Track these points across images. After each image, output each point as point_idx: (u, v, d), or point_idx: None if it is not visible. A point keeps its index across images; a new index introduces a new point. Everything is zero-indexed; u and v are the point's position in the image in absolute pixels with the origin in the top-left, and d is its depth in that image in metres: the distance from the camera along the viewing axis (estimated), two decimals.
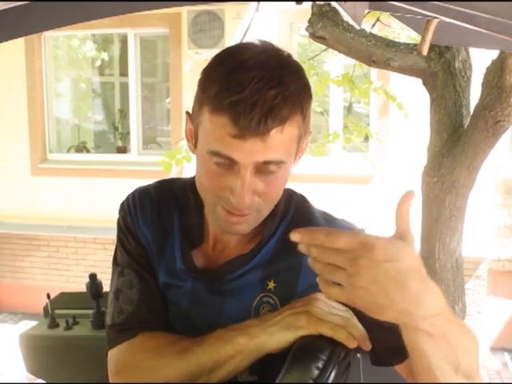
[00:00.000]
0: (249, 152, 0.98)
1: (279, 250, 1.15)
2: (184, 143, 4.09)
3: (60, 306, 1.97)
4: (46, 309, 1.94)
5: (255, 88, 0.96)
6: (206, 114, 1.01)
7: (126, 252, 1.20)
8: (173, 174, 5.03)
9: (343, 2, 1.06)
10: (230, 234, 1.14)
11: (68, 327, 1.89)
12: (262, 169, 1.02)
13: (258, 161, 1.00)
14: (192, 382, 1.06)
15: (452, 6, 0.97)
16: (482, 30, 1.05)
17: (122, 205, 1.25)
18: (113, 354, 1.16)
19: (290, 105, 0.99)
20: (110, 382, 1.15)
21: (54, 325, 1.91)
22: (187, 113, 1.13)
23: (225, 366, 1.05)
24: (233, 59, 1.02)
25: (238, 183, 1.01)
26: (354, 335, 1.02)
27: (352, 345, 1.00)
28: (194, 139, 1.10)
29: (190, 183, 1.23)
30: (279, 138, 0.99)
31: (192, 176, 1.24)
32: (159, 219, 1.21)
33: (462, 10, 0.95)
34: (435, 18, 1.15)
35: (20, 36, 1.42)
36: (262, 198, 1.05)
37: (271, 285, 1.14)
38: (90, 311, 1.87)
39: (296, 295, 1.11)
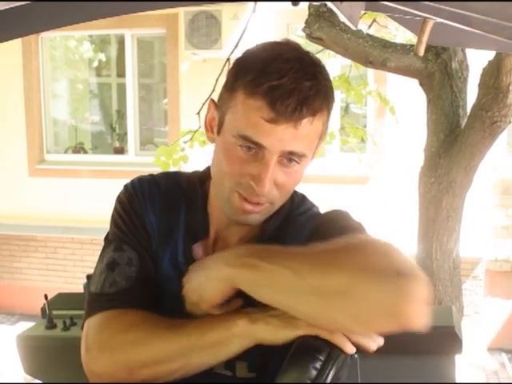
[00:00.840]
0: (279, 139, 1.01)
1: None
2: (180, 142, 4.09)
3: (58, 306, 1.96)
4: (43, 310, 1.93)
5: (293, 77, 1.00)
6: (240, 98, 1.03)
7: (129, 230, 1.17)
8: None
9: (339, 3, 1.07)
10: (241, 223, 1.13)
11: (66, 328, 1.89)
12: (285, 160, 1.05)
13: (286, 149, 1.03)
14: (182, 358, 1.02)
15: (445, 7, 0.97)
16: (475, 31, 1.05)
17: (127, 188, 1.21)
18: (92, 321, 1.08)
19: (321, 99, 1.03)
20: (83, 355, 1.07)
21: (51, 325, 1.91)
22: (212, 101, 1.15)
23: (214, 348, 1.01)
24: (270, 51, 1.06)
25: (263, 169, 1.03)
26: (352, 340, 1.02)
27: (348, 350, 1.00)
28: (217, 127, 1.11)
29: (198, 176, 1.23)
30: (309, 129, 1.03)
31: (199, 170, 1.25)
32: (166, 211, 1.19)
33: (454, 10, 0.96)
34: (429, 18, 1.16)
35: (19, 36, 1.43)
36: (279, 189, 1.07)
37: None
38: None
39: None
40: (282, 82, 0.99)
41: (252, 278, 0.98)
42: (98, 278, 1.13)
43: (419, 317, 0.90)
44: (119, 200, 1.21)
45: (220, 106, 1.10)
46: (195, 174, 1.26)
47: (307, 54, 1.08)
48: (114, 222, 1.21)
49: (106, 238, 1.21)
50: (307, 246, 1.00)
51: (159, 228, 1.19)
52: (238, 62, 1.09)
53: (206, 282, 1.03)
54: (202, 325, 1.03)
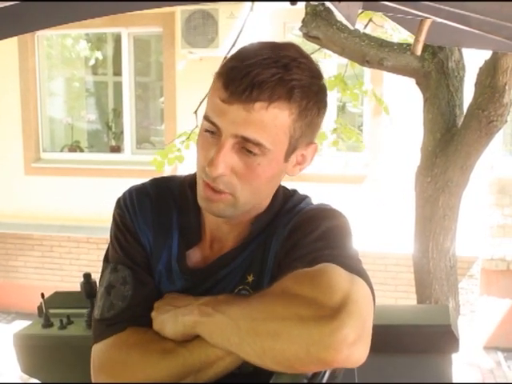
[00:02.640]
0: (231, 120, 1.01)
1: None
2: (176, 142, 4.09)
3: (54, 305, 1.95)
4: (40, 308, 1.93)
5: (257, 62, 1.00)
6: (213, 82, 1.05)
7: (122, 249, 1.18)
8: (166, 173, 5.02)
9: (337, 2, 1.07)
10: (209, 213, 1.13)
11: (62, 327, 1.88)
12: (243, 147, 1.03)
13: (238, 133, 1.01)
14: (178, 381, 1.06)
15: (443, 6, 0.97)
16: (473, 30, 1.05)
17: (119, 202, 1.22)
18: (97, 348, 1.14)
19: (286, 89, 1.00)
20: (92, 377, 1.14)
21: (48, 324, 1.90)
22: None
23: (214, 366, 1.05)
24: (257, 43, 1.06)
25: (215, 151, 1.03)
26: None
27: None
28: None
29: (188, 180, 1.22)
30: (263, 115, 1.00)
31: (189, 174, 1.24)
32: (159, 219, 1.20)
33: (452, 10, 0.96)
34: (427, 17, 1.16)
35: (14, 35, 1.42)
36: (240, 180, 1.06)
37: (250, 278, 1.15)
38: (85, 310, 1.86)
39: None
40: (243, 63, 1.00)
41: (207, 326, 1.02)
42: (99, 303, 1.17)
43: (348, 357, 0.88)
44: (113, 217, 1.23)
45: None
46: (186, 177, 1.25)
47: (296, 53, 1.05)
48: (110, 242, 1.23)
49: (106, 259, 1.23)
50: (252, 296, 1.02)
51: (153, 236, 1.20)
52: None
53: (168, 324, 1.08)
54: (197, 346, 1.05)
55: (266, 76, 0.99)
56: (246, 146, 1.03)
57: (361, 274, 0.99)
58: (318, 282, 0.95)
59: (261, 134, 1.02)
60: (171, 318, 1.07)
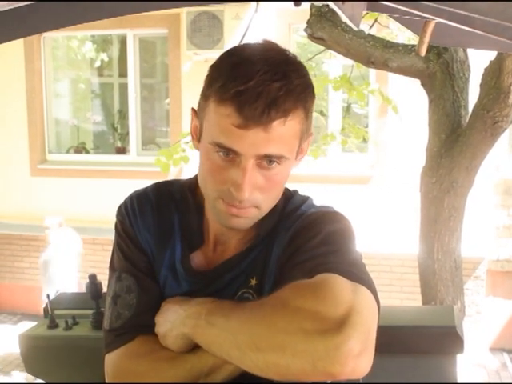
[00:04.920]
0: (251, 143, 1.00)
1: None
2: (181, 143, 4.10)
3: (60, 306, 1.97)
4: (45, 309, 1.94)
5: (260, 79, 0.98)
6: (212, 106, 1.03)
7: (124, 257, 1.19)
8: (171, 174, 5.03)
9: (341, 3, 1.07)
10: (230, 228, 1.13)
11: (68, 327, 1.89)
12: (264, 163, 1.03)
13: (260, 153, 1.01)
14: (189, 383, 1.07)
15: (446, 8, 0.97)
16: (477, 31, 1.05)
17: (120, 209, 1.23)
18: (109, 358, 1.16)
19: (294, 98, 1.01)
20: None
21: (53, 325, 1.91)
22: (192, 109, 1.14)
23: (222, 370, 1.05)
24: (239, 54, 1.05)
25: (240, 175, 1.02)
26: None
27: None
28: (198, 135, 1.12)
29: (188, 184, 1.22)
30: (282, 130, 1.00)
31: (190, 177, 1.24)
32: (160, 223, 1.20)
33: (456, 11, 0.96)
34: (431, 19, 1.16)
35: (22, 36, 1.43)
36: (262, 193, 1.06)
37: (253, 282, 1.15)
38: (90, 311, 1.87)
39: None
40: (248, 85, 0.98)
41: (204, 338, 1.03)
42: (107, 313, 1.19)
43: (354, 369, 0.88)
44: (115, 225, 1.24)
45: (199, 113, 1.10)
46: (186, 182, 1.25)
47: (280, 53, 1.06)
48: (114, 249, 1.24)
49: (111, 266, 1.23)
50: (251, 306, 1.01)
51: (154, 241, 1.20)
52: (211, 68, 1.08)
53: (168, 335, 1.10)
54: (205, 351, 1.06)
55: (275, 93, 0.98)
56: (266, 161, 1.03)
57: (364, 281, 0.98)
58: (320, 294, 0.94)
59: (281, 147, 1.02)
60: (170, 333, 1.09)
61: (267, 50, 1.05)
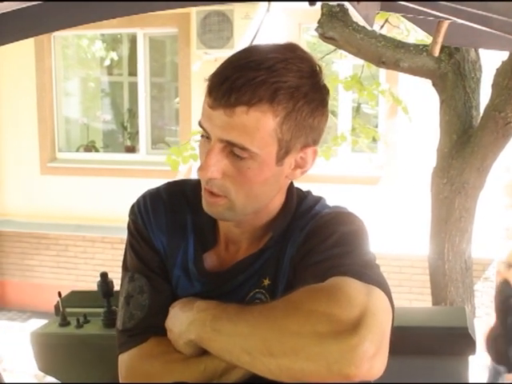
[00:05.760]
0: (216, 124, 1.02)
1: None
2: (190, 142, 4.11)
3: (71, 304, 1.97)
4: (57, 307, 1.94)
5: (241, 66, 1.00)
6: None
7: (137, 257, 1.19)
8: (181, 173, 5.04)
9: (356, 3, 1.06)
10: (211, 215, 1.14)
11: (79, 325, 1.90)
12: (232, 151, 1.03)
13: (223, 137, 1.02)
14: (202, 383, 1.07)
15: (465, 8, 0.97)
16: (494, 32, 1.04)
17: (133, 208, 1.23)
18: (123, 359, 1.16)
19: (268, 91, 0.99)
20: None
21: (65, 323, 1.92)
22: None
23: (236, 370, 1.05)
24: (254, 45, 1.07)
25: (207, 155, 1.04)
26: None
27: None
28: None
29: (200, 184, 1.23)
30: (244, 119, 0.99)
31: None
32: (173, 223, 1.20)
33: (474, 11, 0.95)
34: (447, 19, 1.15)
35: (33, 36, 1.43)
36: (232, 184, 1.05)
37: (266, 282, 1.15)
38: (101, 310, 1.88)
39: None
40: (226, 69, 1.01)
41: (212, 345, 1.02)
42: (120, 313, 1.19)
43: (368, 371, 0.88)
44: (128, 224, 1.24)
45: None
46: (200, 181, 1.25)
47: (294, 54, 1.03)
48: (126, 248, 1.24)
49: (124, 265, 1.24)
50: (260, 309, 1.00)
51: (167, 241, 1.20)
52: None
53: (177, 341, 1.10)
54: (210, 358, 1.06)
55: (245, 79, 0.98)
56: (233, 151, 1.03)
57: (378, 283, 0.98)
58: (334, 296, 0.93)
59: (244, 137, 1.01)
60: (179, 339, 1.09)
61: (277, 48, 1.04)
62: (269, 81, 0.99)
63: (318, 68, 1.06)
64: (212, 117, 1.02)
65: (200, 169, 1.05)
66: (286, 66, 1.00)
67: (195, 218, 1.21)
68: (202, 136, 1.07)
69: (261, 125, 1.01)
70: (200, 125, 1.05)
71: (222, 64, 1.04)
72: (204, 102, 1.04)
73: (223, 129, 1.01)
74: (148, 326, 1.15)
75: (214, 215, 1.12)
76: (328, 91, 1.08)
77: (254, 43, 1.11)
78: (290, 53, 1.04)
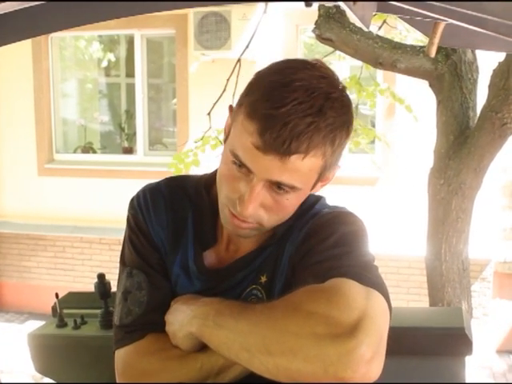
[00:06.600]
0: (266, 167, 1.00)
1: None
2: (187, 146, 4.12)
3: (68, 305, 1.97)
4: (54, 308, 1.94)
5: (293, 109, 0.97)
6: (241, 117, 1.03)
7: (136, 252, 1.19)
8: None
9: (352, 4, 1.07)
10: (234, 234, 1.14)
11: (76, 327, 1.90)
12: (275, 187, 1.03)
13: (272, 179, 1.01)
14: (198, 382, 1.07)
15: (460, 9, 0.97)
16: (489, 33, 1.05)
17: (132, 202, 1.22)
18: (119, 354, 1.17)
19: (321, 137, 0.99)
20: (117, 381, 1.17)
21: (62, 324, 1.92)
22: (230, 106, 1.14)
23: (232, 369, 1.06)
24: (282, 73, 1.02)
25: (248, 191, 1.03)
26: None
27: None
28: (226, 135, 1.12)
29: (205, 181, 1.22)
30: (299, 164, 1.00)
31: (206, 173, 1.24)
32: (173, 218, 1.20)
33: (470, 12, 0.95)
34: (443, 20, 1.16)
35: (32, 36, 1.43)
36: (268, 213, 1.06)
37: (263, 279, 1.16)
38: (99, 311, 1.88)
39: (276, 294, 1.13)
40: (278, 111, 0.97)
41: (212, 339, 1.03)
42: (117, 309, 1.20)
43: (365, 374, 0.88)
44: (127, 218, 1.23)
45: (233, 114, 1.09)
46: (202, 178, 1.25)
47: (327, 83, 1.03)
48: (124, 243, 1.24)
49: (122, 260, 1.23)
50: (261, 308, 1.01)
51: (167, 237, 1.20)
52: (256, 75, 1.07)
53: (176, 334, 1.11)
54: (211, 351, 1.06)
55: (303, 127, 0.97)
56: (277, 186, 1.03)
57: (377, 285, 0.99)
58: (333, 298, 0.94)
59: (295, 178, 1.02)
60: (178, 333, 1.09)
61: (313, 77, 1.01)
62: (321, 126, 0.98)
63: (349, 98, 1.07)
64: (261, 159, 0.99)
65: (241, 205, 1.04)
66: (332, 106, 1.00)
67: (196, 216, 1.21)
68: (235, 163, 1.04)
69: (312, 167, 1.02)
70: (238, 159, 1.02)
71: (266, 101, 0.99)
72: (245, 139, 1.01)
73: (274, 172, 1.00)
74: (145, 323, 1.15)
75: (240, 236, 1.13)
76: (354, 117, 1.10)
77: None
78: (328, 84, 1.03)
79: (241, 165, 1.03)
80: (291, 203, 1.07)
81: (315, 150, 1.00)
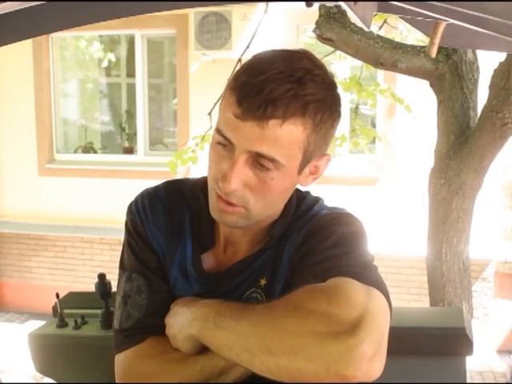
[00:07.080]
0: (245, 136, 1.00)
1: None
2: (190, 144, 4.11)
3: (69, 305, 1.97)
4: (54, 308, 1.94)
5: (271, 77, 0.98)
6: (226, 94, 1.05)
7: (135, 256, 1.19)
8: (179, 175, 5.04)
9: (353, 4, 1.07)
10: (222, 223, 1.14)
11: (77, 327, 1.90)
12: (257, 162, 1.02)
13: (252, 149, 1.01)
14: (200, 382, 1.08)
15: (461, 9, 0.97)
16: (490, 33, 1.05)
17: (130, 207, 1.22)
18: (120, 358, 1.17)
19: (300, 105, 0.99)
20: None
21: (62, 324, 1.92)
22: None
23: (233, 370, 1.06)
24: (268, 53, 1.05)
25: (229, 166, 1.03)
26: None
27: None
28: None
29: (201, 183, 1.22)
30: (278, 132, 0.99)
31: (203, 176, 1.24)
32: (171, 222, 1.20)
33: (471, 12, 0.95)
34: (444, 20, 1.16)
35: (33, 36, 1.43)
36: (253, 194, 1.05)
37: (262, 282, 1.15)
38: (99, 311, 1.88)
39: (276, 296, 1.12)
40: (256, 79, 0.98)
41: (213, 340, 1.03)
42: (117, 313, 1.20)
43: (367, 372, 0.88)
44: (125, 223, 1.23)
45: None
46: (199, 181, 1.24)
47: (310, 63, 1.03)
48: (123, 248, 1.24)
49: (121, 265, 1.23)
50: (262, 308, 1.00)
51: (166, 242, 1.20)
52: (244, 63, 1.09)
53: (176, 337, 1.10)
54: (211, 354, 1.06)
55: (279, 92, 0.97)
56: (259, 161, 1.02)
57: (377, 284, 0.99)
58: (333, 297, 0.94)
59: (275, 149, 1.01)
60: (179, 335, 1.09)
61: (297, 57, 1.03)
62: (300, 94, 0.99)
63: (334, 79, 1.08)
64: (240, 128, 1.00)
65: (223, 180, 1.03)
66: (313, 78, 1.01)
67: (193, 218, 1.20)
68: (219, 143, 1.05)
69: (292, 137, 1.01)
70: (221, 134, 1.03)
71: (246, 72, 1.02)
72: (227, 111, 1.02)
73: (253, 140, 1.00)
74: (145, 327, 1.15)
75: (227, 224, 1.12)
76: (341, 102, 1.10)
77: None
78: (311, 63, 1.04)
79: (225, 141, 1.03)
80: (277, 183, 1.05)
81: (293, 118, 0.99)
